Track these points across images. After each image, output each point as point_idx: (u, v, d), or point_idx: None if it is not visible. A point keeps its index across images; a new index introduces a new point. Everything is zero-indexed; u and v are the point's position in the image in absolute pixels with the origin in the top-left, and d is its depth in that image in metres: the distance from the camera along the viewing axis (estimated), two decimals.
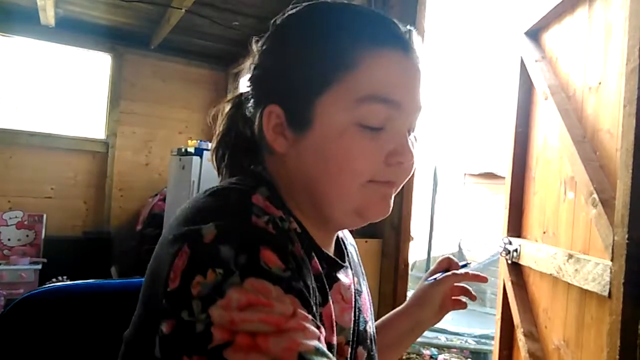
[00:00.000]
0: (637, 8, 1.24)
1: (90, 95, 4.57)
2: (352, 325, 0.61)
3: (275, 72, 0.59)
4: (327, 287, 0.58)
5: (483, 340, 4.52)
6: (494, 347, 2.13)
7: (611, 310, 1.25)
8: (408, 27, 0.58)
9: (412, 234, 1.85)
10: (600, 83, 1.50)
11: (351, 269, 0.68)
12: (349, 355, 0.59)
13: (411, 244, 1.85)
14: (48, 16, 3.71)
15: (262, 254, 0.46)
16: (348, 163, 0.54)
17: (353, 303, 0.63)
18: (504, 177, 2.21)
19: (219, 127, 0.67)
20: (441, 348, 4.41)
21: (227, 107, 0.67)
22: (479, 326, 5.04)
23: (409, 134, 0.58)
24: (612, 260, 1.28)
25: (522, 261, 1.87)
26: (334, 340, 0.56)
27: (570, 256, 1.51)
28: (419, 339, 4.46)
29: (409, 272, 1.89)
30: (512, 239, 1.96)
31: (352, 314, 0.62)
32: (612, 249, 1.27)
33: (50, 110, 4.53)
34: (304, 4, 0.60)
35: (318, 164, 0.56)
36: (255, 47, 0.62)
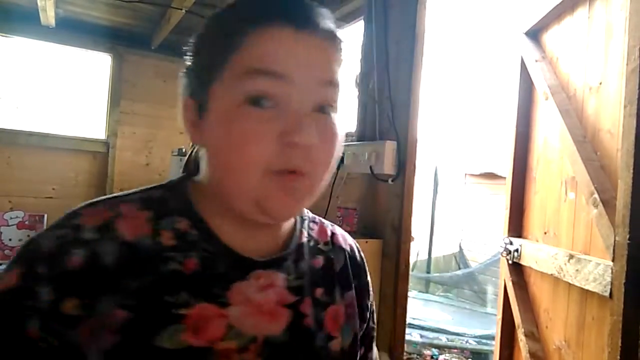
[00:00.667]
0: (637, 8, 1.23)
1: (91, 96, 4.57)
2: (257, 334, 0.55)
3: (189, 66, 0.59)
4: (214, 286, 0.54)
5: (484, 341, 4.52)
6: (495, 347, 2.13)
7: (612, 311, 1.25)
8: (313, 3, 0.56)
9: (412, 234, 1.85)
10: (600, 83, 1.49)
11: (294, 275, 0.61)
12: None
13: (412, 244, 1.85)
14: (48, 16, 3.71)
15: (9, 273, 0.49)
16: (238, 146, 0.51)
17: (266, 309, 0.56)
18: (504, 177, 2.21)
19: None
20: (442, 348, 4.40)
21: None
22: (480, 326, 5.04)
23: (329, 110, 0.54)
24: (613, 260, 1.27)
25: (523, 261, 1.87)
26: (203, 342, 0.51)
27: (571, 256, 1.51)
28: (420, 340, 4.46)
29: (410, 272, 1.89)
30: (513, 239, 1.96)
31: (261, 322, 0.56)
32: (613, 249, 1.27)
33: (50, 110, 4.53)
34: None
35: (215, 152, 0.55)
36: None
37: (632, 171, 1.19)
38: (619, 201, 1.24)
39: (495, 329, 2.11)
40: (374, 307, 0.75)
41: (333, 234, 0.71)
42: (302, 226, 0.66)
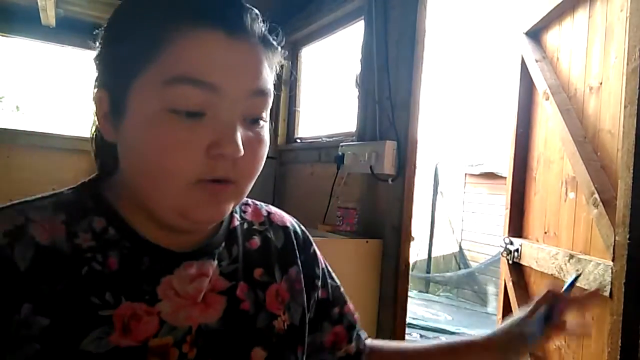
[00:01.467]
0: (637, 8, 1.23)
1: (90, 95, 4.57)
2: (190, 325, 0.54)
3: (102, 57, 0.55)
4: (140, 284, 0.53)
5: None
6: None
7: (612, 311, 1.25)
8: (247, 6, 0.53)
9: (412, 234, 1.85)
10: (601, 83, 1.49)
11: (227, 260, 0.60)
12: (176, 358, 0.52)
13: (412, 244, 1.85)
14: (49, 16, 3.71)
15: None
16: (161, 157, 0.48)
17: (199, 299, 0.55)
18: (504, 178, 2.21)
19: (91, 129, 0.63)
20: None
21: None
22: (480, 326, 5.04)
23: (253, 124, 0.52)
24: (613, 260, 1.27)
25: (523, 261, 1.87)
26: (133, 342, 0.50)
27: (572, 256, 1.51)
28: (420, 339, 4.46)
29: (410, 272, 1.89)
30: (513, 239, 1.95)
31: (194, 312, 0.55)
32: (614, 249, 1.27)
33: (50, 110, 4.53)
34: None
35: (134, 158, 0.51)
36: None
37: (632, 171, 1.19)
38: (619, 201, 1.24)
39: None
40: (330, 270, 0.75)
41: (269, 212, 0.70)
42: (233, 210, 0.63)
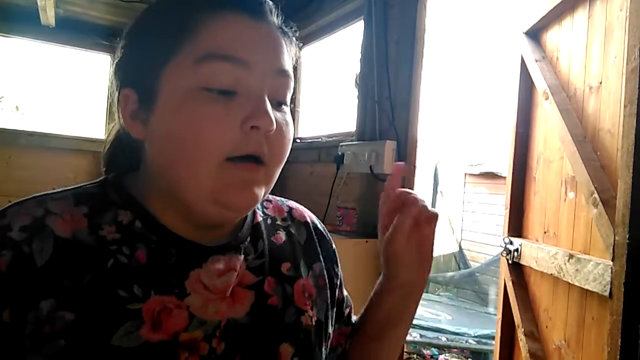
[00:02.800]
0: (637, 8, 1.23)
1: (90, 95, 4.57)
2: (219, 319, 0.54)
3: (127, 56, 0.56)
4: (169, 277, 0.52)
5: (484, 340, 4.51)
6: (495, 347, 2.13)
7: (612, 310, 1.25)
8: None
9: None
10: (600, 83, 1.49)
11: (254, 255, 0.60)
12: (206, 352, 0.52)
13: None
14: (48, 16, 3.71)
15: None
16: (195, 133, 0.49)
17: (228, 293, 0.55)
18: (504, 177, 2.21)
19: (111, 132, 0.63)
20: (442, 348, 4.40)
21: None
22: (480, 326, 5.04)
23: (278, 107, 0.54)
24: (613, 260, 1.27)
25: (523, 261, 1.87)
26: (165, 336, 0.50)
27: (571, 256, 1.51)
28: (420, 339, 4.46)
29: None
30: (513, 238, 1.96)
31: (224, 306, 0.54)
32: (613, 249, 1.27)
33: (50, 110, 4.53)
34: None
35: (168, 142, 0.51)
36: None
37: (632, 171, 1.19)
38: (619, 201, 1.24)
39: (495, 329, 2.11)
40: (342, 277, 0.76)
41: (290, 208, 0.71)
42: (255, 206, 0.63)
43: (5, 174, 3.97)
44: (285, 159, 0.56)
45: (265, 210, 0.67)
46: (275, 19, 0.55)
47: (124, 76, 0.56)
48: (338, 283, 0.72)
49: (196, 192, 0.51)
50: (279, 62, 0.54)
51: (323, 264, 0.68)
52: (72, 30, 4.12)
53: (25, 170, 4.05)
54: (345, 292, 0.75)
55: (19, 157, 4.05)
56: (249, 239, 0.61)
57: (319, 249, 0.69)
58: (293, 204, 0.73)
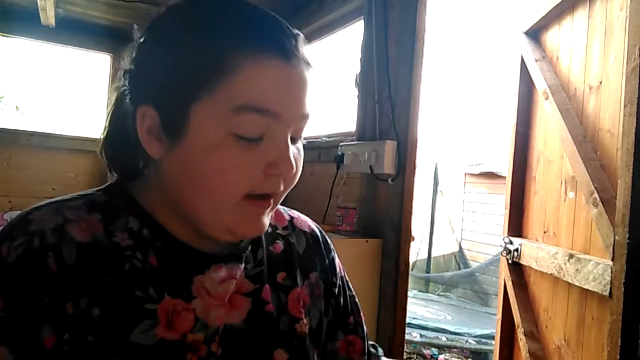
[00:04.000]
0: (637, 7, 1.23)
1: (90, 95, 4.57)
2: (218, 325, 0.56)
3: (149, 70, 0.54)
4: (176, 281, 0.55)
5: (484, 340, 4.52)
6: (495, 346, 2.13)
7: (612, 310, 1.25)
8: (295, 31, 0.55)
9: (412, 234, 1.85)
10: (600, 83, 1.49)
11: (254, 263, 0.62)
12: (205, 354, 0.54)
13: (412, 243, 1.85)
14: (48, 16, 3.70)
15: None
16: (221, 176, 0.51)
17: (226, 300, 0.58)
18: (504, 177, 2.21)
19: (106, 125, 0.61)
20: (442, 348, 4.40)
21: (113, 100, 0.61)
22: (480, 326, 5.04)
23: (294, 143, 0.56)
24: (612, 260, 1.28)
25: (523, 261, 1.87)
26: (176, 336, 0.53)
27: (571, 256, 1.51)
28: (420, 339, 4.46)
29: (410, 272, 1.90)
30: (512, 238, 1.96)
31: (222, 312, 0.57)
32: (613, 249, 1.27)
33: (50, 110, 4.53)
34: None
35: (190, 177, 0.53)
36: (135, 37, 0.57)
37: (632, 171, 1.19)
38: (619, 201, 1.24)
39: (495, 329, 2.11)
40: (347, 281, 0.76)
41: (292, 217, 0.73)
42: None
43: (5, 174, 3.97)
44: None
45: None
46: (305, 53, 0.55)
47: (144, 92, 0.55)
48: (337, 291, 0.72)
49: (209, 221, 0.54)
50: (304, 108, 0.55)
51: (320, 274, 0.70)
52: (72, 30, 4.12)
53: (26, 170, 4.05)
54: (352, 302, 0.75)
55: (19, 157, 4.05)
56: (249, 247, 0.63)
57: (317, 258, 0.71)
58: (295, 213, 0.75)
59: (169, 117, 0.53)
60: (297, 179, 0.58)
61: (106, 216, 0.55)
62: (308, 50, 0.56)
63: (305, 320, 0.64)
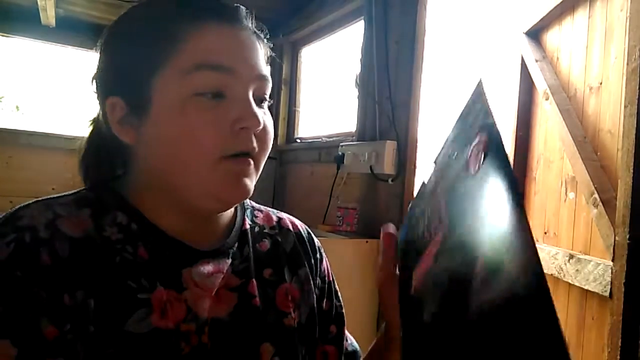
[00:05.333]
0: (637, 8, 1.23)
1: (90, 95, 4.57)
2: (206, 317, 0.57)
3: (110, 65, 0.59)
4: (167, 273, 0.56)
5: None
6: None
7: (612, 311, 1.25)
8: (236, 5, 0.60)
9: None
10: (601, 83, 1.49)
11: (240, 259, 0.63)
12: (196, 344, 0.56)
13: None
14: (48, 16, 3.71)
15: None
16: (191, 136, 0.54)
17: (213, 293, 0.59)
18: None
19: (85, 141, 0.67)
20: None
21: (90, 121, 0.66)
22: None
23: (260, 105, 0.58)
24: (613, 260, 1.28)
25: None
26: (170, 324, 0.54)
27: (571, 256, 1.51)
28: None
29: None
30: None
31: (209, 304, 0.58)
32: (613, 249, 1.27)
33: (50, 110, 4.53)
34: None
35: (164, 147, 0.56)
36: (95, 49, 0.63)
37: (632, 171, 1.19)
38: (619, 201, 1.24)
39: None
40: (337, 290, 0.76)
41: (280, 218, 0.74)
42: (243, 214, 0.68)
43: (5, 174, 3.97)
44: (270, 148, 0.61)
45: (254, 219, 0.71)
46: (250, 24, 0.60)
47: (107, 85, 0.59)
48: (326, 292, 0.72)
49: (193, 189, 0.56)
50: (259, 68, 0.59)
51: (309, 270, 0.71)
52: (72, 30, 4.12)
53: (26, 170, 4.05)
54: (337, 311, 0.74)
55: (19, 157, 4.05)
56: (236, 244, 0.64)
57: (304, 256, 0.72)
58: (283, 215, 0.76)
59: (134, 99, 0.57)
60: (270, 140, 0.59)
61: (95, 212, 0.56)
62: (254, 22, 0.61)
63: (293, 315, 0.65)
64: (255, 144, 0.56)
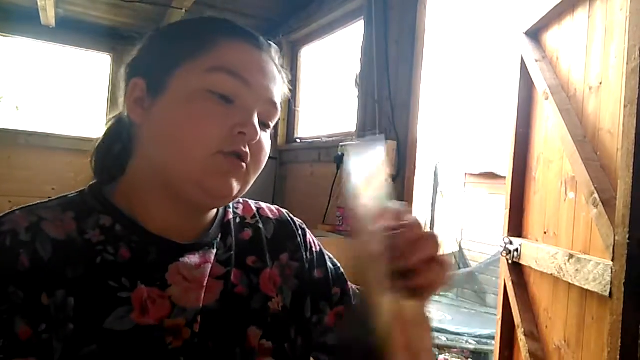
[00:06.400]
0: (637, 8, 1.23)
1: (90, 95, 4.57)
2: (199, 306, 0.60)
3: (145, 53, 0.65)
4: (151, 272, 0.58)
5: (484, 341, 4.51)
6: (495, 347, 2.13)
7: (612, 311, 1.25)
8: (270, 42, 0.67)
9: None
10: (601, 83, 1.49)
11: (224, 249, 0.66)
12: (189, 336, 0.58)
13: None
14: (49, 16, 3.71)
15: None
16: (195, 124, 0.58)
17: (205, 283, 0.61)
18: (504, 177, 2.21)
19: (101, 136, 0.70)
20: (442, 348, 4.40)
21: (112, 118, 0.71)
22: (480, 326, 5.04)
23: (263, 129, 0.62)
24: (613, 260, 1.28)
25: (523, 261, 1.87)
26: (151, 321, 0.56)
27: (571, 256, 1.51)
28: None
29: None
30: (512, 238, 1.96)
31: (202, 294, 0.61)
32: (613, 249, 1.27)
33: (50, 110, 4.53)
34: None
35: (166, 128, 0.59)
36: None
37: (632, 171, 1.19)
38: (619, 201, 1.24)
39: (495, 329, 2.11)
40: (330, 256, 0.78)
41: (259, 208, 0.77)
42: (226, 207, 0.71)
43: (5, 174, 3.97)
44: (261, 169, 0.64)
45: (236, 210, 0.74)
46: (274, 56, 0.66)
47: (137, 69, 0.65)
48: (309, 265, 0.74)
49: (184, 175, 0.58)
50: (272, 93, 0.63)
51: (289, 254, 0.73)
52: (72, 30, 4.12)
53: (25, 170, 4.05)
54: (335, 273, 0.76)
55: (19, 157, 4.05)
56: (220, 235, 0.68)
57: (286, 241, 0.74)
58: (262, 204, 0.79)
59: (154, 82, 0.61)
60: (263, 158, 0.63)
61: (79, 215, 0.59)
62: (279, 58, 0.66)
63: (277, 298, 0.68)
64: (248, 151, 0.59)
